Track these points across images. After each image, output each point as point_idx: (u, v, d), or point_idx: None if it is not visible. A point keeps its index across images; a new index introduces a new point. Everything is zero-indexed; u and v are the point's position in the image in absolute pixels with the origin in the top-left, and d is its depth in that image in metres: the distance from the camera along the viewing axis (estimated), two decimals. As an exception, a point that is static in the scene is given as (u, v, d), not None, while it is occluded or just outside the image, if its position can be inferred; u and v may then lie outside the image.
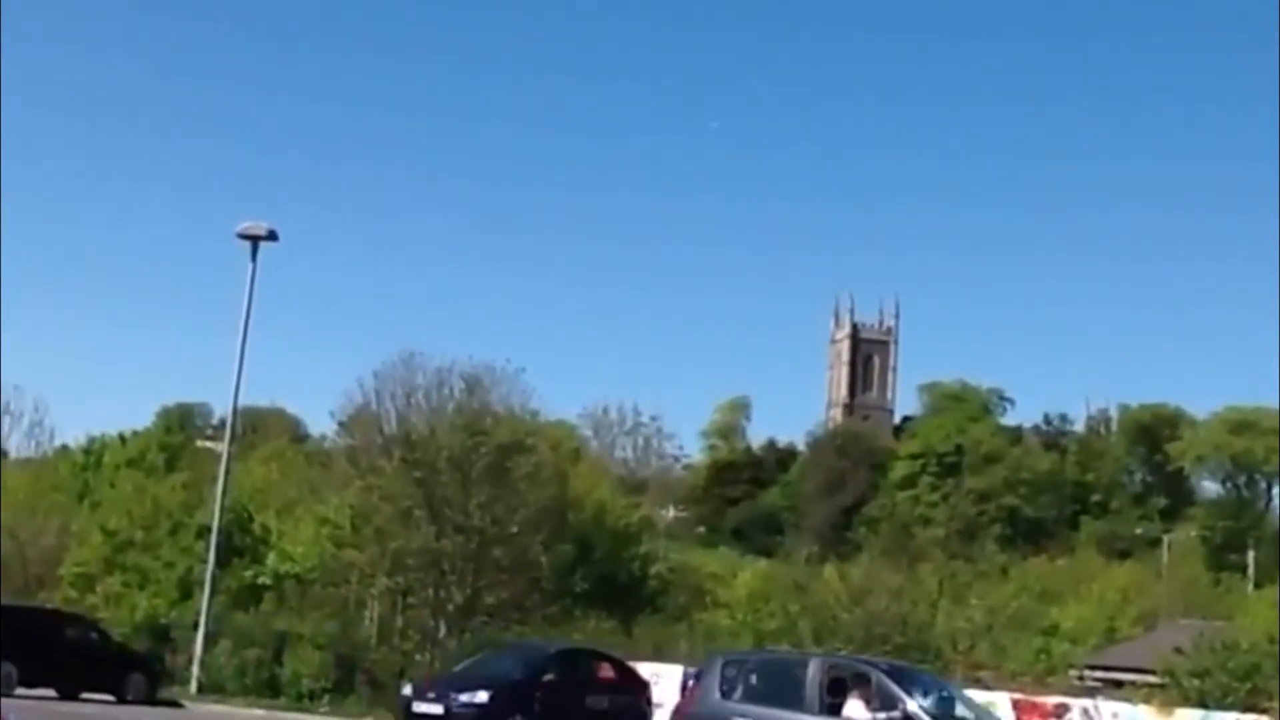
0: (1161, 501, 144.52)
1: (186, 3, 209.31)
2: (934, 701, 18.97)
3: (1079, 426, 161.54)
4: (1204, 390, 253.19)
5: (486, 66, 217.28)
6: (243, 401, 48.94)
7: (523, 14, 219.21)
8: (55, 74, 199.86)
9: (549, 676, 31.09)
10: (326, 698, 40.50)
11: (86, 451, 69.55)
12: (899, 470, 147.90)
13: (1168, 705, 38.57)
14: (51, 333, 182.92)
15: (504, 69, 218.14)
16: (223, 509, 44.05)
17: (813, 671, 19.08)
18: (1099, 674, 57.13)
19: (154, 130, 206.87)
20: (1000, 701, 38.98)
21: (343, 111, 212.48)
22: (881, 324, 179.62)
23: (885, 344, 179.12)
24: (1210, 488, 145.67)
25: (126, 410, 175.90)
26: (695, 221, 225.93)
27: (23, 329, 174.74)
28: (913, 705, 18.01)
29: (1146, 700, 40.26)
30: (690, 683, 29.01)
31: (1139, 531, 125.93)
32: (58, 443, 79.57)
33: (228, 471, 45.01)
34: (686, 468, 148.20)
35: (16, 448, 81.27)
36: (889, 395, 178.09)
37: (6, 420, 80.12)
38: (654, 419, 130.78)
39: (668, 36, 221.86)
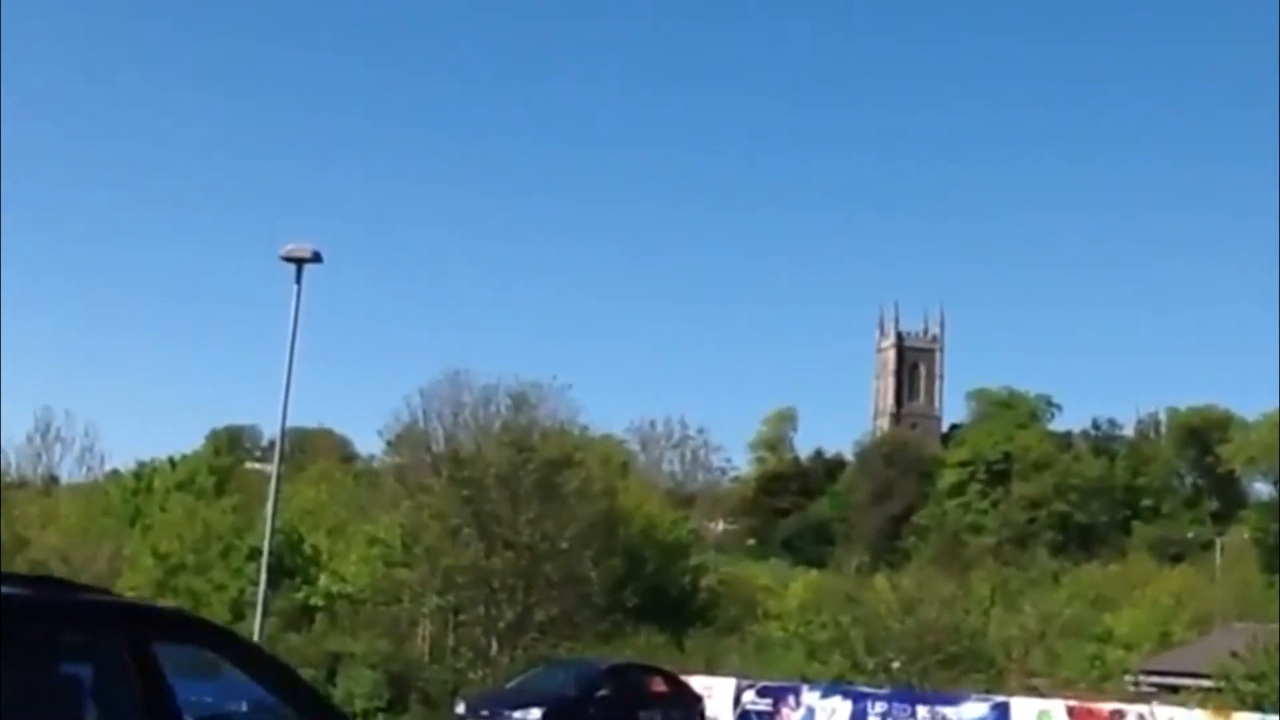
0: (1213, 504, 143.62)
1: (230, 28, 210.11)
2: None
3: (1128, 431, 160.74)
4: (1253, 392, 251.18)
5: (531, 86, 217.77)
6: (291, 423, 48.90)
7: (566, 31, 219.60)
8: (101, 99, 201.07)
9: (602, 692, 31.12)
10: (380, 716, 40.60)
11: (137, 476, 69.85)
12: (948, 478, 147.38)
13: (1224, 710, 38.36)
14: (101, 359, 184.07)
15: (549, 87, 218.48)
16: (273, 530, 44.05)
17: None
18: (1154, 679, 56.73)
19: (198, 154, 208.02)
20: (1055, 709, 38.85)
21: (386, 132, 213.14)
22: (927, 332, 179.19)
23: (931, 352, 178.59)
24: (1262, 489, 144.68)
25: (176, 434, 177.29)
26: (740, 234, 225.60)
27: (73, 355, 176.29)
28: None
29: (1202, 705, 40.04)
30: None
31: (1191, 535, 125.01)
32: (108, 468, 79.94)
33: (277, 493, 45.03)
34: (734, 480, 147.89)
35: (68, 474, 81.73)
36: (936, 403, 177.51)
37: (58, 447, 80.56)
38: (701, 432, 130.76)
39: (713, 48, 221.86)
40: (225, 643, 7.54)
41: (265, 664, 7.66)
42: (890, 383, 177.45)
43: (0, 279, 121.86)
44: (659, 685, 33.88)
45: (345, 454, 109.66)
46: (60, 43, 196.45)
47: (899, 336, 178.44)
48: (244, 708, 7.63)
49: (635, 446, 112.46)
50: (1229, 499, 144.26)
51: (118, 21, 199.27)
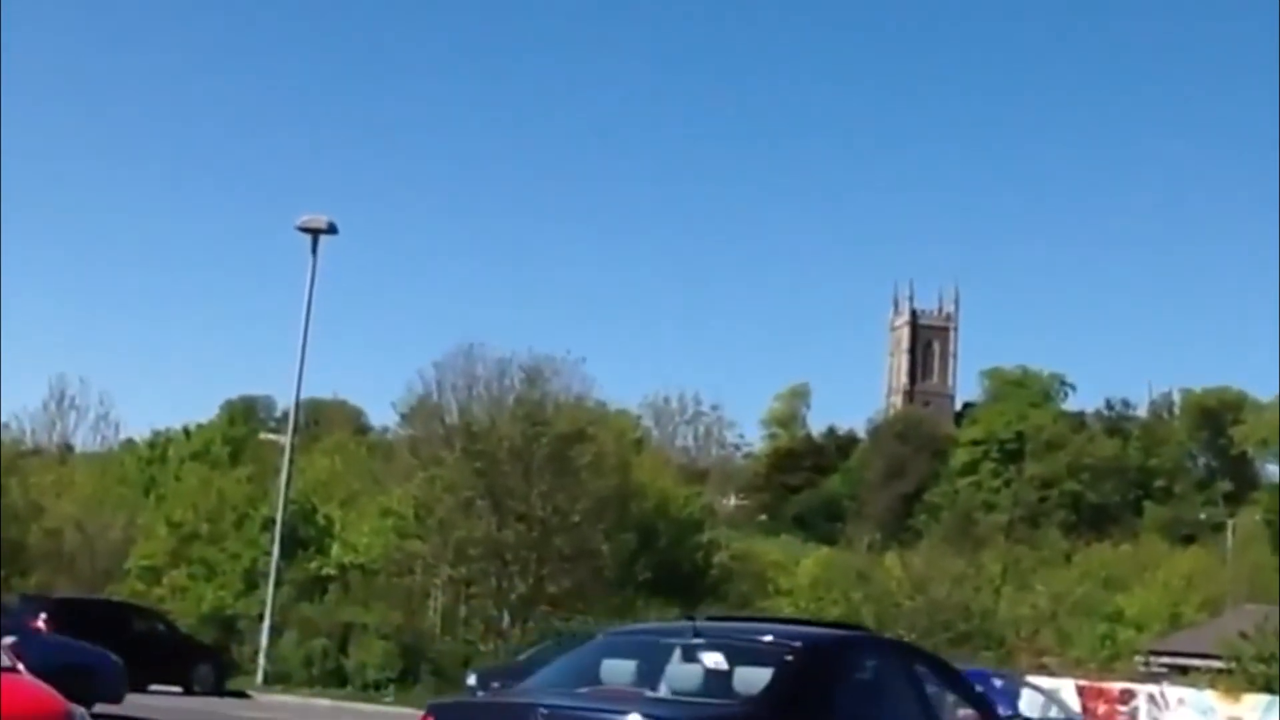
0: (1226, 486, 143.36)
1: (241, 4, 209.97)
2: None
3: (1141, 411, 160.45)
4: (1267, 373, 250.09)
5: (542, 57, 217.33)
6: (305, 394, 49.31)
7: (576, 6, 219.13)
8: (118, 69, 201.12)
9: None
10: (391, 687, 40.79)
11: (152, 445, 70.00)
12: (960, 457, 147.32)
13: (1234, 690, 38.48)
14: (116, 328, 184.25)
15: (559, 60, 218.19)
16: (286, 501, 44.39)
17: None
18: (1164, 660, 56.81)
19: (214, 124, 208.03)
20: (1065, 688, 38.93)
21: (402, 104, 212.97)
22: (941, 310, 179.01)
23: (945, 330, 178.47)
24: (1275, 471, 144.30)
25: (191, 404, 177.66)
26: (755, 210, 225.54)
27: (89, 324, 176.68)
28: None
29: (1213, 685, 40.16)
30: None
31: (1203, 516, 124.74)
32: (123, 437, 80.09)
33: (291, 464, 45.33)
34: (747, 456, 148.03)
35: (83, 442, 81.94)
36: (949, 382, 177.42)
37: (73, 415, 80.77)
38: (715, 408, 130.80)
39: (723, 25, 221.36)
40: (927, 659, 11.80)
41: (950, 671, 11.69)
42: (904, 360, 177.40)
43: (8, 249, 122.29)
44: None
45: (359, 425, 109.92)
46: (71, 12, 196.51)
47: (913, 314, 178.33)
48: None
49: (649, 422, 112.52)
50: (1242, 480, 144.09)
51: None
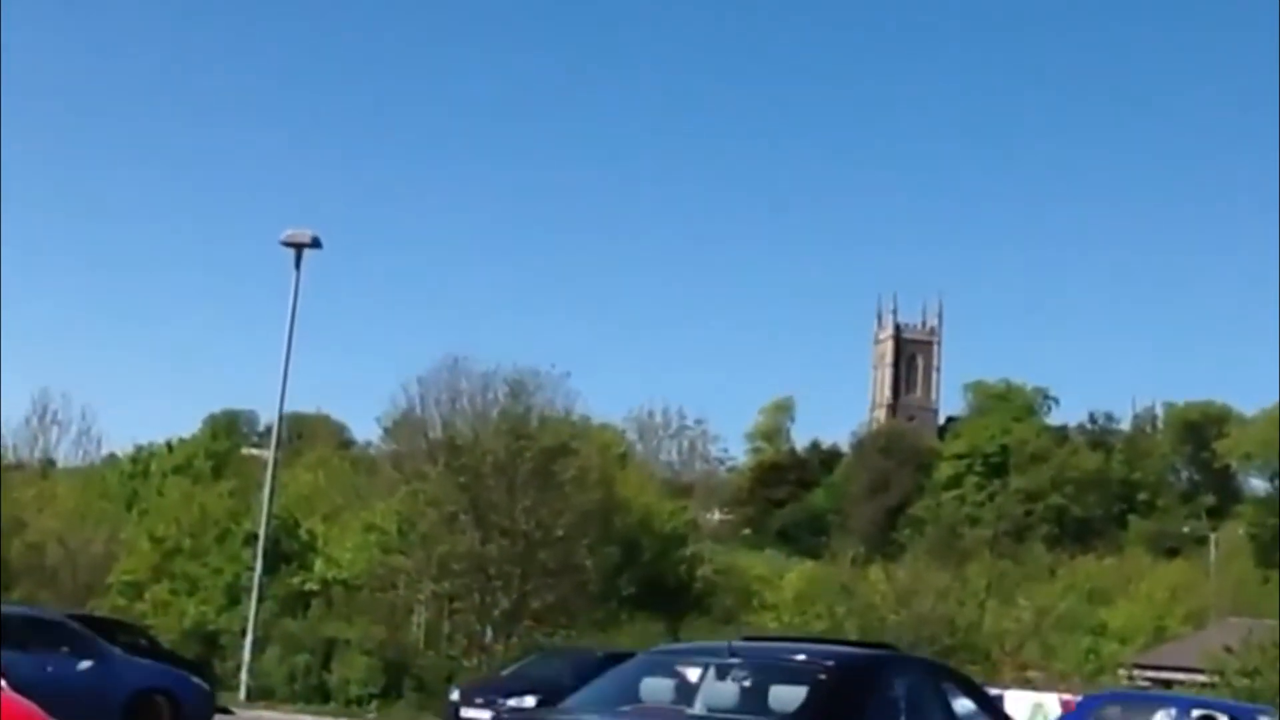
0: (1209, 499, 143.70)
1: (231, 9, 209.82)
2: None
3: (1125, 425, 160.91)
4: (1251, 387, 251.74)
5: (526, 68, 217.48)
6: (288, 408, 49.02)
7: (565, 14, 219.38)
8: (102, 81, 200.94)
9: (597, 680, 31.13)
10: (375, 703, 40.69)
11: (134, 460, 69.82)
12: (944, 470, 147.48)
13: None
14: (98, 341, 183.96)
15: (545, 70, 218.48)
16: (269, 516, 44.21)
17: None
18: (1148, 673, 56.93)
19: (198, 136, 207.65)
20: (1049, 702, 38.96)
21: (386, 117, 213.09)
22: (924, 324, 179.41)
23: (929, 344, 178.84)
24: (1259, 485, 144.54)
25: (173, 418, 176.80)
26: (737, 223, 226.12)
27: (71, 338, 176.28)
28: None
29: (1197, 699, 40.10)
30: None
31: (1187, 530, 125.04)
32: (105, 451, 79.96)
33: (274, 478, 45.17)
34: (731, 470, 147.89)
35: (65, 457, 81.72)
36: (933, 395, 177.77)
37: (55, 430, 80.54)
38: (699, 422, 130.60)
39: (708, 37, 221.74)
40: (955, 677, 12.57)
41: (977, 689, 12.55)
42: (887, 374, 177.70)
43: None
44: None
45: (342, 440, 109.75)
46: (61, 24, 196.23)
47: (897, 328, 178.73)
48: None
49: (633, 436, 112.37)
50: (1225, 494, 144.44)
51: (122, 3, 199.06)
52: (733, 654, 10.70)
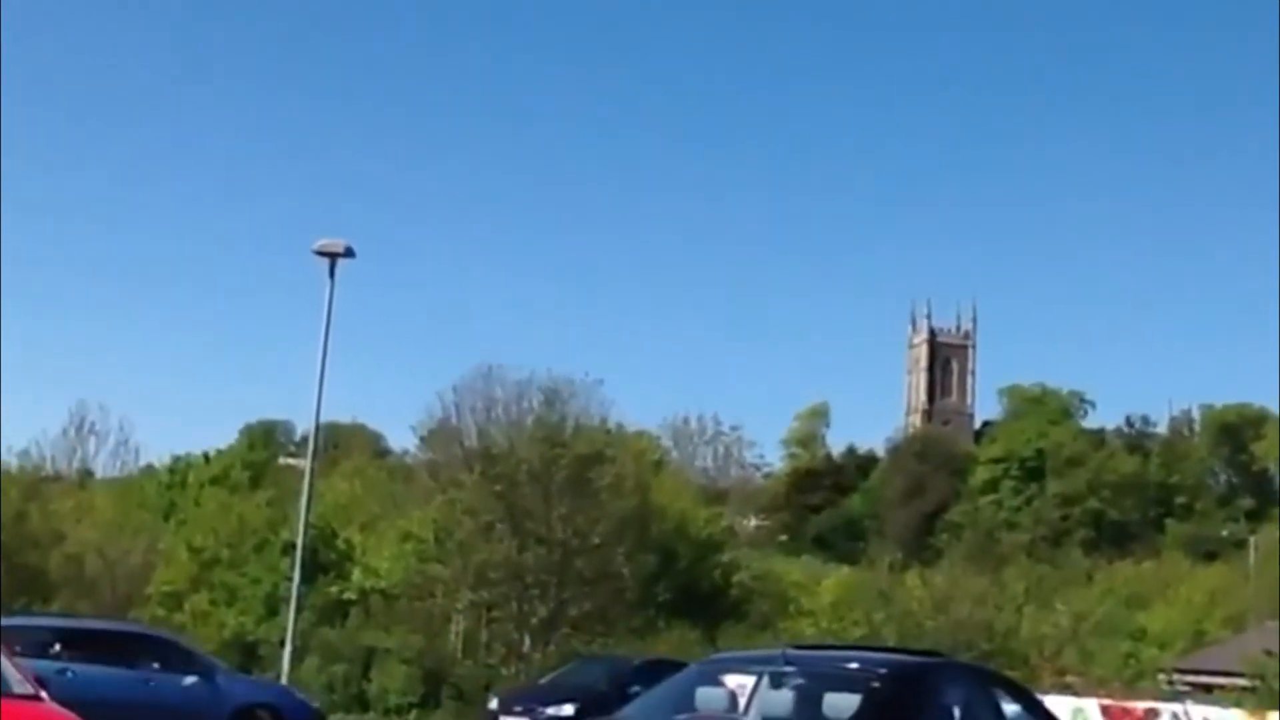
0: (1248, 502, 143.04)
1: (263, 19, 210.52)
2: None
3: (1162, 428, 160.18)
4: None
5: (563, 77, 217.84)
6: (324, 418, 49.08)
7: (596, 22, 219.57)
8: (135, 91, 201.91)
9: (635, 688, 31.07)
10: (413, 712, 40.81)
11: (172, 470, 70.15)
12: (980, 475, 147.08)
13: (1258, 708, 38.29)
14: (136, 353, 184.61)
15: (580, 79, 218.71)
16: (307, 525, 44.19)
17: None
18: (1188, 678, 56.57)
19: (232, 146, 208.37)
20: (1089, 707, 38.78)
21: (418, 126, 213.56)
22: (959, 328, 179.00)
23: (963, 348, 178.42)
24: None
25: (210, 429, 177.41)
26: (772, 228, 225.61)
27: (107, 349, 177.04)
28: None
29: (1237, 704, 39.96)
30: None
31: (1225, 533, 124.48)
32: (143, 462, 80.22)
33: (311, 488, 45.21)
34: (767, 476, 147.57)
35: (103, 468, 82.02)
36: (968, 399, 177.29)
37: (93, 441, 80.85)
38: (734, 428, 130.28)
39: (741, 40, 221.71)
40: (1006, 684, 12.65)
41: (1028, 696, 12.72)
42: (922, 379, 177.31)
43: (27, 275, 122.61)
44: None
45: (378, 449, 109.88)
46: (94, 38, 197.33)
47: (931, 333, 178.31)
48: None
49: (668, 442, 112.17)
50: (1263, 496, 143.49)
51: (152, 13, 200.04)
52: (788, 662, 10.76)
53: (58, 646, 24.14)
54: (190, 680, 24.56)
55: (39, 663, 23.56)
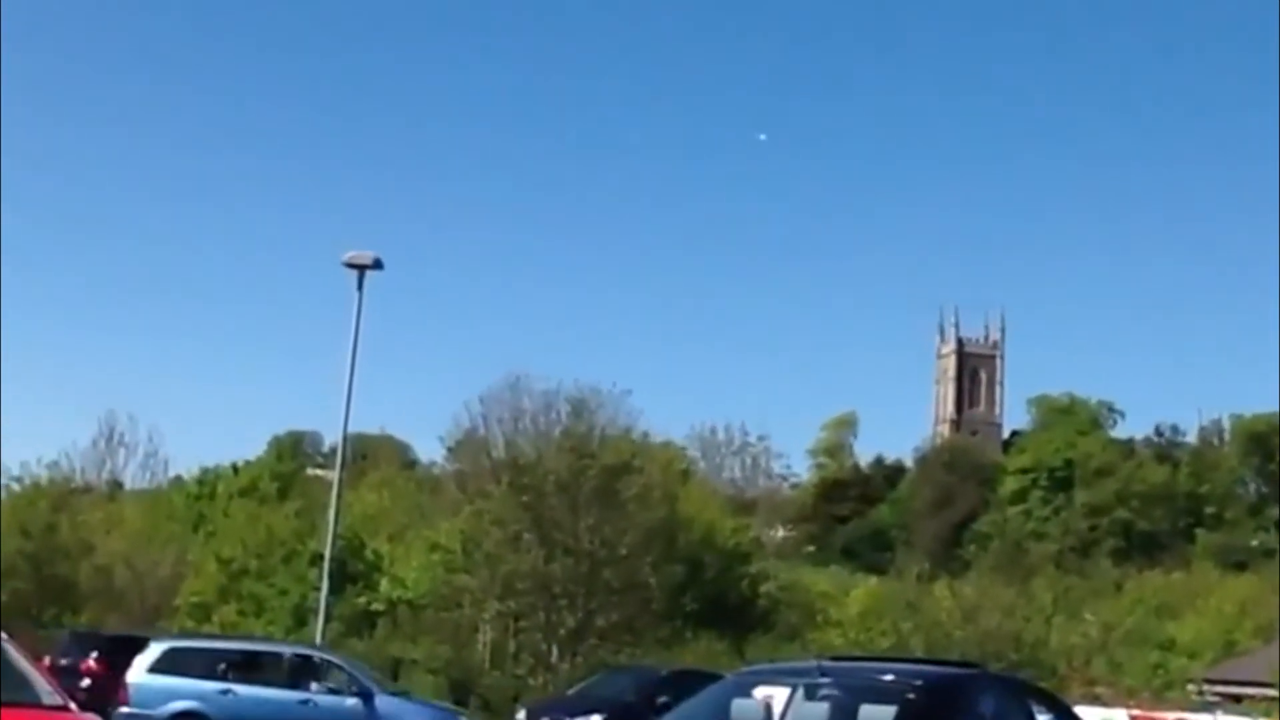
0: (1277, 512, 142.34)
1: (290, 29, 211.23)
2: None
3: (1191, 437, 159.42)
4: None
5: (589, 88, 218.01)
6: (352, 429, 49.07)
7: (621, 32, 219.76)
8: (163, 101, 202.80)
9: (662, 699, 31.09)
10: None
11: (200, 482, 70.36)
12: (1009, 485, 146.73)
13: (1290, 718, 38.11)
14: (164, 365, 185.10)
15: (606, 89, 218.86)
16: (335, 536, 44.32)
17: None
18: (1218, 688, 56.40)
19: (261, 157, 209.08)
20: (1118, 717, 38.66)
21: (445, 136, 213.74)
22: (987, 338, 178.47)
23: (991, 358, 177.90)
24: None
25: (239, 441, 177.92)
26: (801, 238, 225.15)
27: (136, 361, 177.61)
28: None
29: (1267, 714, 39.87)
30: None
31: (1255, 543, 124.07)
32: (172, 474, 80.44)
33: (339, 499, 45.30)
34: (795, 487, 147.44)
35: (132, 479, 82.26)
36: (997, 410, 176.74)
37: (122, 453, 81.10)
38: (761, 439, 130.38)
39: (766, 46, 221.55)
40: (1041, 695, 12.85)
41: (1063, 707, 12.96)
42: (951, 389, 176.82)
43: (58, 287, 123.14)
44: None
45: (406, 460, 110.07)
46: (123, 56, 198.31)
47: (959, 343, 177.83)
48: None
49: (695, 453, 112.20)
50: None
51: (182, 23, 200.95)
52: (822, 674, 10.80)
53: (223, 666, 24.74)
54: (352, 702, 24.88)
55: (202, 683, 24.30)
